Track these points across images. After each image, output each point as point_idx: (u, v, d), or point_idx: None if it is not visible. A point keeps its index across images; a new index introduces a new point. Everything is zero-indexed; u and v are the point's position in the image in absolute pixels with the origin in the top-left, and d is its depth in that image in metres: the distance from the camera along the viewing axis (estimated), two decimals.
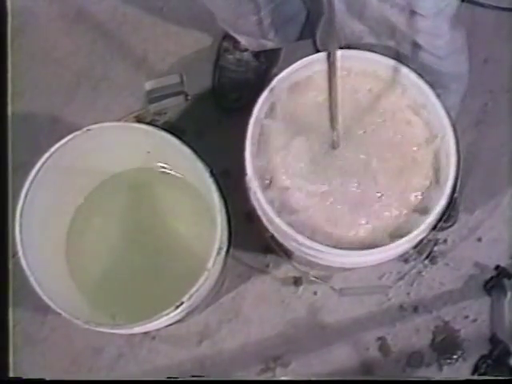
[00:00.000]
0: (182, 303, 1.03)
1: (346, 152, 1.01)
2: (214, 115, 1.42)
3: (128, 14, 1.51)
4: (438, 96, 0.98)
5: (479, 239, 1.35)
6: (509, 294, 1.30)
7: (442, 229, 1.29)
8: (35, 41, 1.51)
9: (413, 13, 0.90)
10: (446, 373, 1.30)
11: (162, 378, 1.30)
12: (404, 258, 1.32)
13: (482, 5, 1.42)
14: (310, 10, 1.30)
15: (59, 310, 1.03)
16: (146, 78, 1.43)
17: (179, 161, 1.15)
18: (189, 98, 1.42)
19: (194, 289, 1.04)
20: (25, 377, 1.26)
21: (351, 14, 0.99)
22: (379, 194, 1.00)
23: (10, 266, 1.30)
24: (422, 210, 0.99)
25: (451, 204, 0.96)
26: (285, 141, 1.02)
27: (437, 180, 1.00)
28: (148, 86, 1.39)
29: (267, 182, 1.01)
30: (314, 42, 1.33)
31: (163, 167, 1.29)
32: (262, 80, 1.38)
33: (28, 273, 1.05)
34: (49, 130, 1.44)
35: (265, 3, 1.13)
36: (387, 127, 1.02)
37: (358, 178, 1.00)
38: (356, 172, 1.01)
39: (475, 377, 1.28)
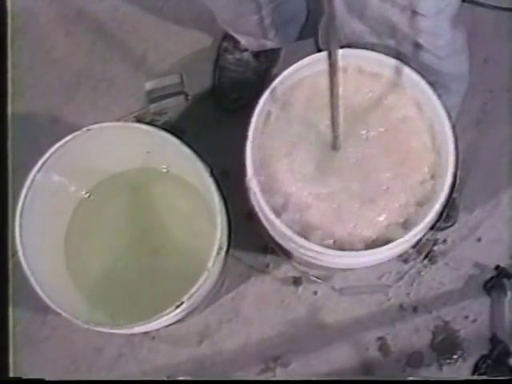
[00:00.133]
0: (182, 303, 1.03)
1: (348, 152, 1.01)
2: (214, 115, 1.42)
3: (128, 13, 1.51)
4: (439, 96, 0.98)
5: (479, 239, 1.35)
6: (509, 293, 1.30)
7: (442, 229, 1.29)
8: (35, 41, 1.51)
9: (414, 13, 0.90)
10: (446, 373, 1.30)
11: (162, 378, 1.31)
12: (404, 258, 1.32)
13: (482, 5, 1.42)
14: (311, 10, 1.30)
15: (59, 310, 1.03)
16: (146, 78, 1.43)
17: (179, 161, 1.14)
18: (189, 98, 1.42)
19: (194, 289, 1.04)
20: (25, 377, 1.26)
21: (352, 14, 0.99)
22: (383, 191, 1.00)
23: (10, 266, 1.30)
24: (422, 207, 0.99)
25: (450, 203, 0.96)
26: (285, 141, 1.02)
27: (436, 179, 1.00)
28: (148, 86, 1.39)
29: (268, 184, 1.01)
30: (317, 42, 1.33)
31: (163, 167, 1.29)
32: (262, 80, 1.38)
33: (28, 273, 1.05)
34: (49, 130, 1.44)
35: (266, 3, 1.13)
36: (388, 127, 1.02)
37: (360, 177, 1.00)
38: (358, 172, 1.01)
39: (475, 377, 1.28)
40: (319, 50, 1.01)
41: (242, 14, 1.17)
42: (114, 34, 1.49)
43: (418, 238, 0.99)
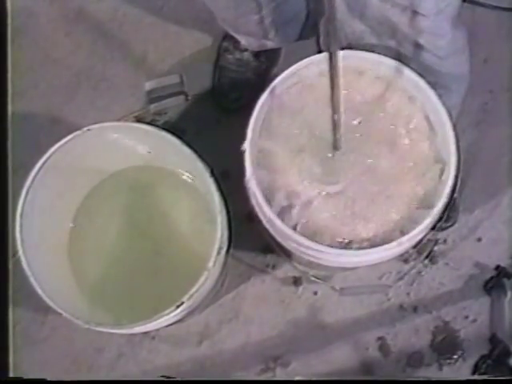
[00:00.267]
0: (182, 303, 1.03)
1: (348, 153, 1.01)
2: (214, 115, 1.42)
3: (128, 13, 1.51)
4: (440, 96, 0.98)
5: (479, 239, 1.35)
6: (509, 293, 1.30)
7: (442, 229, 1.29)
8: (35, 41, 1.51)
9: (414, 13, 0.90)
10: (446, 373, 1.30)
11: (159, 377, 1.30)
12: (404, 258, 1.32)
13: (482, 5, 1.42)
14: (312, 10, 1.30)
15: (59, 310, 1.03)
16: (146, 78, 1.43)
17: (179, 161, 1.14)
18: (189, 98, 1.42)
19: (194, 289, 1.04)
20: (25, 377, 1.26)
21: (352, 14, 0.98)
22: (385, 192, 1.00)
23: (10, 266, 1.30)
24: (424, 207, 0.99)
25: (451, 204, 0.96)
26: (285, 141, 1.02)
27: (437, 179, 1.00)
28: (148, 86, 1.39)
29: (268, 185, 1.01)
30: (318, 42, 1.32)
31: (163, 167, 1.29)
32: (262, 80, 1.38)
33: (28, 273, 1.05)
34: (49, 130, 1.44)
35: (266, 2, 1.13)
36: (388, 128, 1.02)
37: (361, 178, 1.00)
38: (358, 172, 1.01)
39: (475, 377, 1.28)
40: (320, 51, 1.01)
41: (242, 13, 1.17)
42: (114, 34, 1.49)
43: (418, 238, 0.99)
